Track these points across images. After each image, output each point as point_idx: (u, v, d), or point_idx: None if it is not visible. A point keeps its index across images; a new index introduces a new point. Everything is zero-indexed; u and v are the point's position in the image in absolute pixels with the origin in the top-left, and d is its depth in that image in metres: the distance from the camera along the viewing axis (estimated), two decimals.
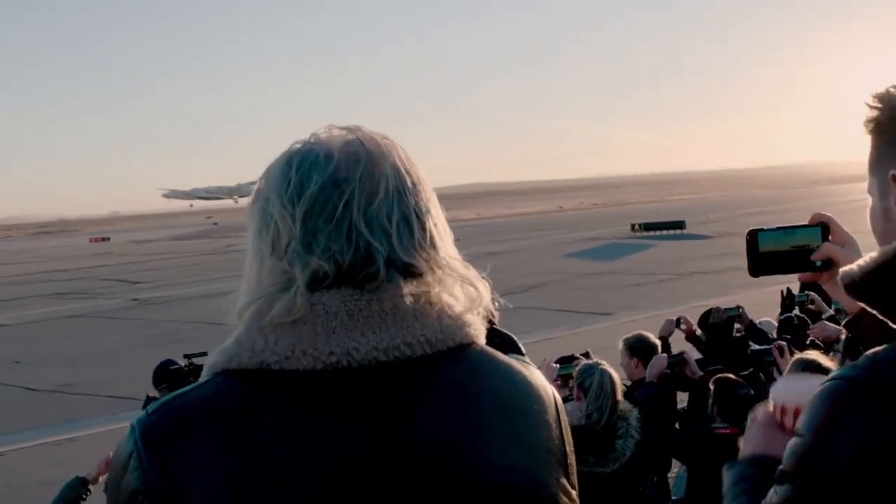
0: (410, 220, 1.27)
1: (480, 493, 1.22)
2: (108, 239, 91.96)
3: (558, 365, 5.85)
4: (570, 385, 5.43)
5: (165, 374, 6.57)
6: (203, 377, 1.27)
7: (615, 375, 5.03)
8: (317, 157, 1.28)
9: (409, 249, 1.26)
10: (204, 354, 6.83)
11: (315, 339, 1.21)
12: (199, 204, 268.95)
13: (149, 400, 6.55)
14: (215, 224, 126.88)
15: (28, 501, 9.09)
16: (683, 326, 7.32)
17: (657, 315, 12.52)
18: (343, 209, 1.24)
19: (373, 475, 1.18)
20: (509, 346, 3.65)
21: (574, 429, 1.45)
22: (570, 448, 1.37)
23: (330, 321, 1.21)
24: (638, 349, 6.19)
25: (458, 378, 1.26)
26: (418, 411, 1.22)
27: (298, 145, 1.32)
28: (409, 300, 1.25)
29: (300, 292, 1.22)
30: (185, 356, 6.72)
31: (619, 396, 5.01)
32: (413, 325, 1.24)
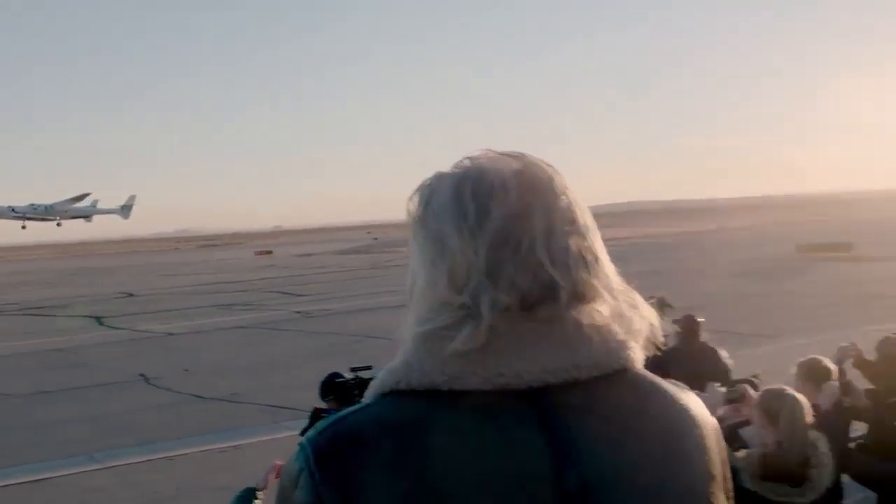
0: (583, 249, 1.30)
1: None
2: (272, 252, 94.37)
3: (724, 389, 5.71)
4: (735, 407, 5.27)
5: (332, 387, 6.68)
6: (369, 396, 1.32)
7: (805, 402, 4.80)
8: (491, 186, 1.29)
9: (585, 278, 1.28)
10: (369, 368, 6.95)
11: (485, 360, 1.22)
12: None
13: (316, 412, 6.68)
14: (375, 239, 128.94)
15: None
16: (853, 353, 7.05)
17: (824, 339, 12.09)
18: (527, 243, 1.25)
19: (543, 495, 1.19)
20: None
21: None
22: (729, 473, 1.37)
23: (500, 343, 1.23)
24: (812, 374, 5.97)
25: (623, 401, 1.28)
26: (586, 433, 1.24)
27: (461, 171, 1.32)
28: (578, 325, 1.26)
29: (485, 326, 1.23)
30: (352, 369, 6.81)
31: (809, 423, 4.79)
32: (581, 348, 1.26)
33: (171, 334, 25.23)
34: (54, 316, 33.10)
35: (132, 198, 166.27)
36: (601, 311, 1.29)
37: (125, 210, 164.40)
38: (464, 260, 1.25)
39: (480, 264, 1.24)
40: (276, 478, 5.13)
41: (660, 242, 69.78)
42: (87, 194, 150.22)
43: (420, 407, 1.23)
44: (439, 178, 1.34)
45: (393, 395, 1.27)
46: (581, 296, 1.27)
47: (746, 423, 5.13)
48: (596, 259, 1.31)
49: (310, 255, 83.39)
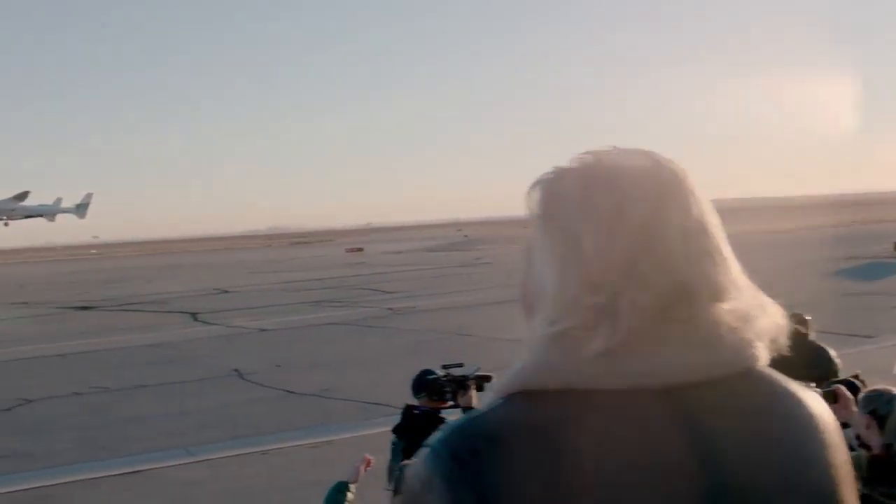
0: (714, 248, 1.29)
1: None
2: (363, 249, 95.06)
3: (819, 389, 5.57)
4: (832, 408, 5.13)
5: (424, 384, 6.69)
6: (495, 396, 1.29)
7: None
8: (627, 183, 1.27)
9: (717, 277, 1.27)
10: (460, 365, 6.95)
11: (623, 360, 1.21)
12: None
13: (408, 408, 6.70)
14: (465, 237, 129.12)
15: (291, 500, 9.49)
16: None
17: None
18: (663, 242, 1.24)
19: (682, 493, 1.18)
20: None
21: (873, 459, 1.41)
22: (853, 474, 1.35)
23: (637, 343, 1.21)
24: None
25: (753, 400, 1.27)
26: (721, 432, 1.23)
27: (586, 166, 1.31)
28: (712, 324, 1.25)
29: (625, 326, 1.21)
30: (443, 366, 6.81)
31: None
32: (716, 347, 1.24)
33: (264, 330, 25.57)
34: (150, 312, 33.81)
35: (89, 196, 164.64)
36: (732, 309, 1.28)
37: (80, 209, 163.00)
38: (600, 259, 1.24)
39: (617, 264, 1.23)
40: (367, 469, 5.15)
41: (749, 240, 68.63)
42: (27, 192, 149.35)
43: (556, 407, 1.22)
44: (563, 172, 1.33)
45: (522, 396, 1.25)
46: (714, 295, 1.26)
47: (844, 425, 5.00)
48: (725, 258, 1.31)
49: (400, 252, 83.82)
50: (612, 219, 1.25)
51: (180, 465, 11.39)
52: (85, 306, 38.58)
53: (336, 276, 48.95)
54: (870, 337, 17.61)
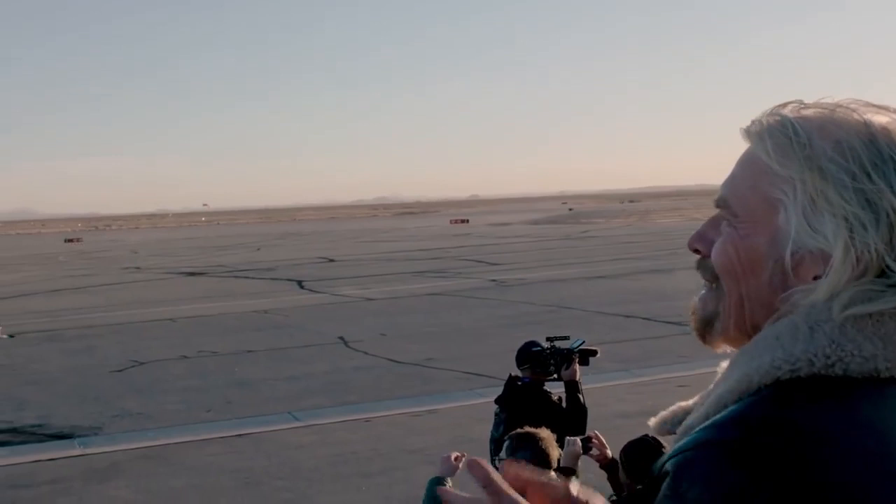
0: None
1: None
2: (468, 221, 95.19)
3: None
4: None
5: (528, 356, 6.68)
6: (764, 381, 1.15)
7: None
8: None
9: None
10: (566, 338, 6.92)
11: None
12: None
13: (512, 379, 6.70)
14: (570, 210, 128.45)
15: (394, 467, 9.58)
16: None
17: None
18: None
19: None
20: None
21: None
22: None
23: None
24: None
25: None
26: None
27: (872, 123, 1.18)
28: None
29: None
30: (548, 339, 6.79)
31: None
32: None
33: (369, 299, 25.78)
34: (258, 279, 34.39)
35: None
36: None
37: None
38: None
39: None
40: (459, 461, 5.11)
41: None
42: None
43: (868, 396, 1.11)
44: (838, 124, 1.19)
45: (815, 380, 1.12)
46: None
47: None
48: None
49: (505, 224, 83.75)
50: None
51: (286, 429, 11.58)
52: (195, 272, 39.44)
53: (441, 247, 49.09)
54: None
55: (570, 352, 6.64)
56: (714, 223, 1.29)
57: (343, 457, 10.18)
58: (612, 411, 10.28)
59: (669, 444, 1.21)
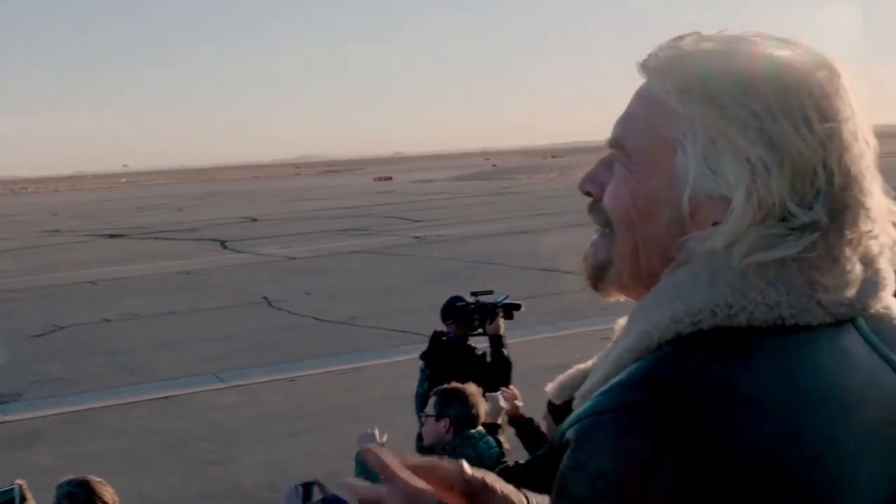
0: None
1: None
2: (391, 178, 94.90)
3: None
4: None
5: (453, 311, 6.71)
6: (665, 337, 1.08)
7: None
8: (814, 79, 1.10)
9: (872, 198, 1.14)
10: (490, 293, 6.96)
11: (831, 288, 1.09)
12: None
13: (436, 335, 6.73)
14: (494, 166, 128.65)
15: (321, 426, 9.59)
16: None
17: None
18: (861, 150, 1.10)
19: (874, 416, 1.07)
20: None
21: None
22: None
23: (841, 269, 1.10)
24: None
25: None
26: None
27: (776, 58, 1.11)
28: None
29: (828, 240, 1.08)
30: (472, 294, 6.82)
31: None
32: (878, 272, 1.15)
33: (292, 258, 25.67)
34: (181, 240, 33.98)
35: None
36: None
37: None
38: (806, 166, 1.06)
39: (826, 172, 1.06)
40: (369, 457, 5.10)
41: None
42: None
43: (773, 346, 1.05)
44: (747, 59, 1.11)
45: (718, 332, 1.06)
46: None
47: None
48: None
49: (429, 181, 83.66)
50: (817, 122, 1.08)
51: (211, 390, 11.52)
52: (115, 234, 38.81)
53: (364, 205, 48.91)
54: None
55: (494, 306, 6.69)
56: (607, 164, 1.21)
57: (268, 417, 10.17)
58: (536, 364, 10.38)
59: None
